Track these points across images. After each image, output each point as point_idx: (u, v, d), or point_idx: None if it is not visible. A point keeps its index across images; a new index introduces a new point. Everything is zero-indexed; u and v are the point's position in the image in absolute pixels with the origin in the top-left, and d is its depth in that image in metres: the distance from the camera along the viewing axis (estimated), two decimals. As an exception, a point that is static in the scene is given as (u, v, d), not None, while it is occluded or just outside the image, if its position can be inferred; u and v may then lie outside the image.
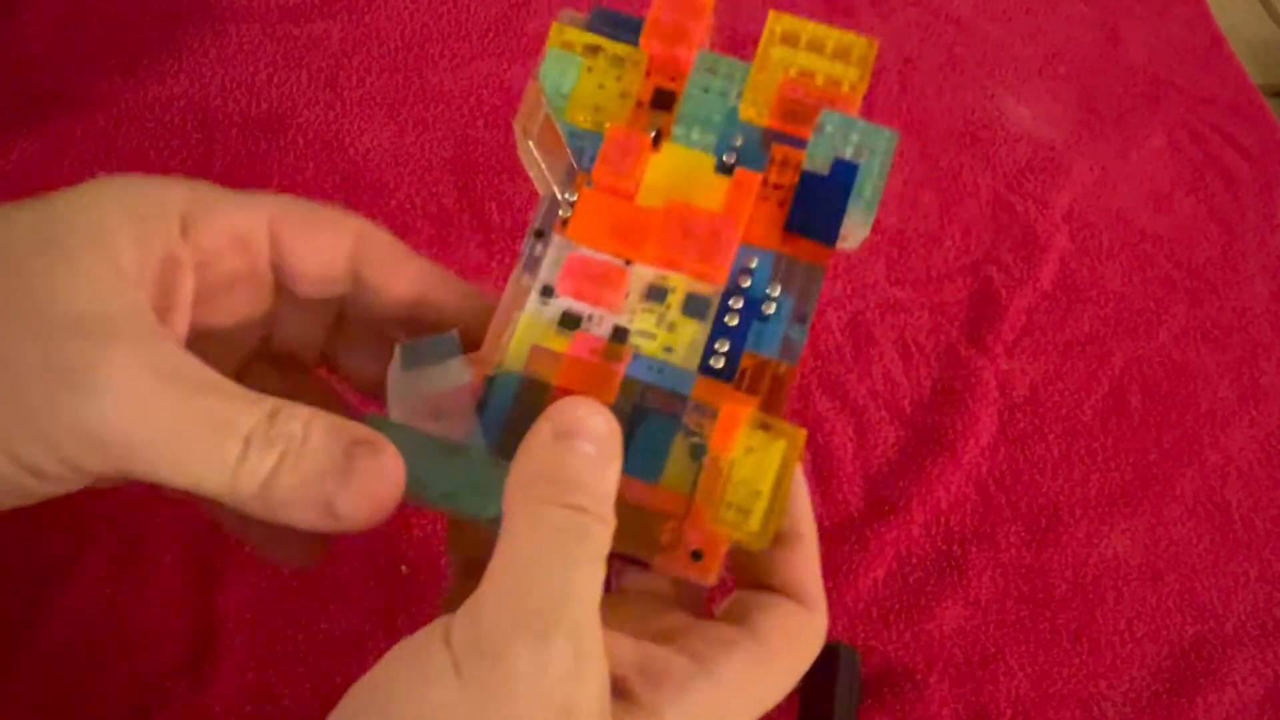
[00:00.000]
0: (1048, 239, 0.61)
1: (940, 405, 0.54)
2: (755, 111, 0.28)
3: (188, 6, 0.62)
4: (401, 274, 0.27)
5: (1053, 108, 0.69)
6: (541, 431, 0.23)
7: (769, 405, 0.25)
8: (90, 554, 0.44)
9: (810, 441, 0.52)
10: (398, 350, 0.25)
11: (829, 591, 0.48)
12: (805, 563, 0.26)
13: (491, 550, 0.22)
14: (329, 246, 0.26)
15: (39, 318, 0.21)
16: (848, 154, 0.27)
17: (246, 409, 0.22)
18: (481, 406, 0.26)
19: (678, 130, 0.28)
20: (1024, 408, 0.55)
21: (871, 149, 0.27)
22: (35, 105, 0.55)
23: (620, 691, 0.22)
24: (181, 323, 0.25)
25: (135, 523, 0.45)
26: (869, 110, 0.68)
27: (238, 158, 0.56)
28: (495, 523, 0.25)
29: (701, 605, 0.28)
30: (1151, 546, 0.51)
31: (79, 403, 0.21)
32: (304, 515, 0.22)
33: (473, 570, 0.24)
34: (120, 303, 0.22)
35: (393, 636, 0.47)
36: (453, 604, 0.23)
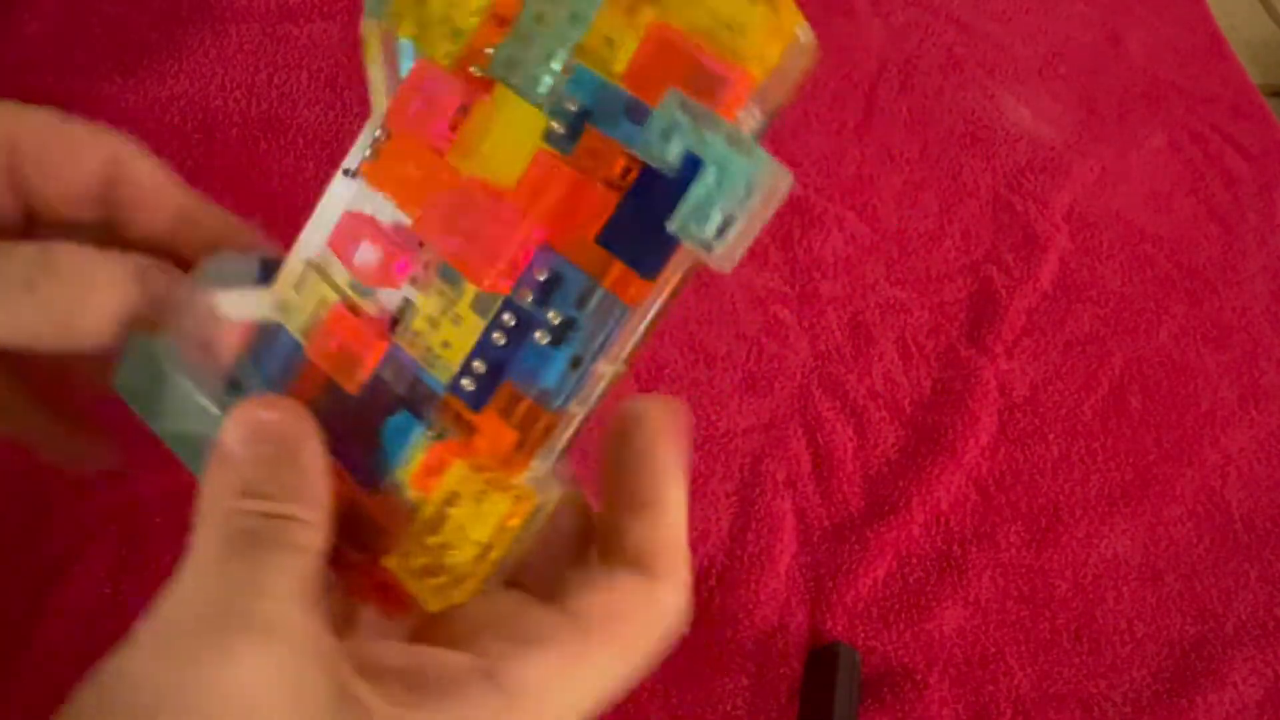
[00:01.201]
0: (1048, 239, 0.61)
1: (940, 405, 0.54)
2: (602, 62, 0.20)
3: (188, 6, 0.62)
4: (162, 202, 0.25)
5: (1053, 108, 0.69)
6: (228, 436, 0.22)
7: (530, 447, 0.20)
8: (90, 554, 0.44)
9: (810, 441, 0.52)
10: (198, 266, 0.23)
11: (829, 592, 0.48)
12: (652, 529, 0.22)
13: None
14: (78, 164, 0.25)
15: None
16: (703, 152, 0.19)
17: None
18: (256, 355, 0.23)
19: (498, 68, 0.20)
20: (1024, 408, 0.55)
21: (722, 164, 0.19)
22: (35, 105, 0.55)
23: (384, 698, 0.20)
24: None
25: (135, 523, 0.45)
26: (869, 110, 0.69)
27: (238, 158, 0.56)
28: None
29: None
30: (1151, 546, 0.51)
31: None
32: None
33: None
34: None
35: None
36: None
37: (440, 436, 0.21)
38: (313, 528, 0.21)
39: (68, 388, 0.27)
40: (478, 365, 0.21)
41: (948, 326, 0.57)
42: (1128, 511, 0.52)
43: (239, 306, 0.22)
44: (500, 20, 0.21)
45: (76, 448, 0.28)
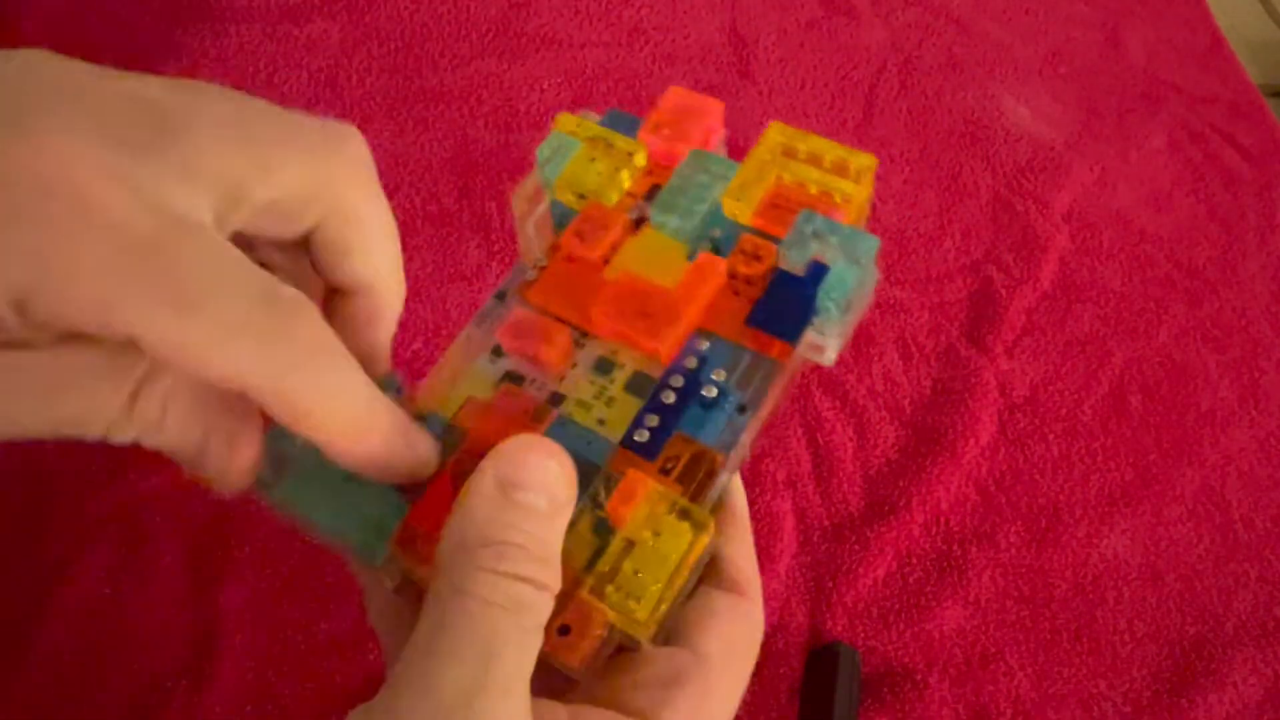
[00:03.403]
0: (1048, 239, 0.61)
1: (940, 405, 0.54)
2: (739, 209, 0.27)
3: (188, 6, 0.62)
4: (367, 268, 0.22)
5: (1053, 108, 0.69)
6: (484, 479, 0.20)
7: (694, 495, 0.23)
8: (90, 554, 0.44)
9: (810, 441, 0.52)
10: None
11: (829, 592, 0.48)
12: (741, 544, 0.25)
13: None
14: (301, 215, 0.21)
15: None
16: (826, 256, 0.25)
17: (111, 394, 0.19)
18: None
19: (655, 215, 0.27)
20: (1024, 408, 0.55)
21: (850, 255, 0.25)
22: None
23: None
24: None
25: (135, 523, 0.45)
26: (869, 110, 0.69)
27: (238, 158, 0.56)
28: (388, 569, 0.23)
29: None
30: (1151, 546, 0.51)
31: None
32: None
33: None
34: None
35: (393, 636, 0.46)
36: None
37: (603, 505, 0.23)
38: (553, 597, 0.20)
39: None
40: (648, 419, 0.24)
41: (948, 326, 0.57)
42: (1128, 511, 0.52)
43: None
44: (647, 171, 0.28)
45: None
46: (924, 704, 0.45)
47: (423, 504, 0.23)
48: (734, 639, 0.24)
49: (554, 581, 0.20)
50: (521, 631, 0.19)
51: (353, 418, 0.20)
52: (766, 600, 0.47)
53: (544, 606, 0.20)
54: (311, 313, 0.19)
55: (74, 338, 0.18)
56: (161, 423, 0.20)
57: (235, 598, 0.44)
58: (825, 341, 0.25)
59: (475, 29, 0.65)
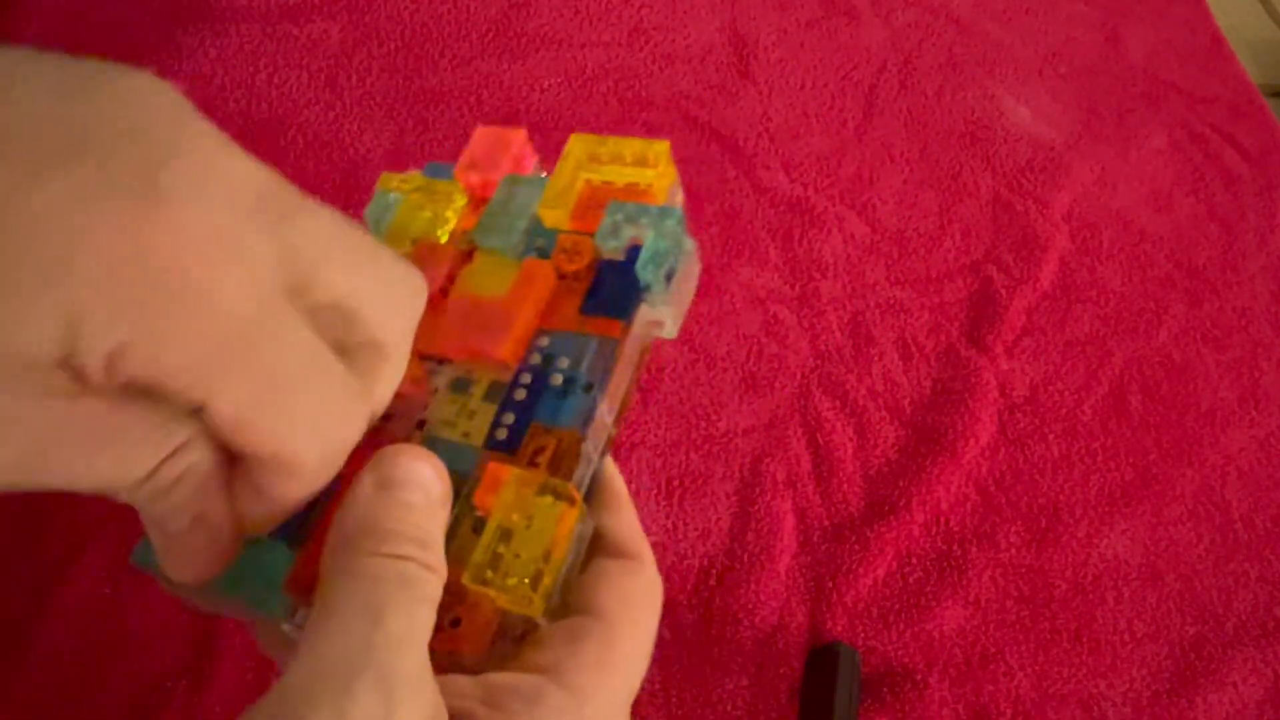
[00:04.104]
0: (1048, 239, 0.61)
1: (940, 405, 0.54)
2: (556, 217, 0.29)
3: (188, 6, 0.62)
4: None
5: (1053, 108, 0.69)
6: (363, 484, 0.21)
7: (563, 477, 0.24)
8: (90, 554, 0.44)
9: (810, 441, 0.52)
10: None
11: (829, 592, 0.48)
12: (626, 518, 0.26)
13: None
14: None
15: None
16: (641, 238, 0.27)
17: (150, 456, 0.20)
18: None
19: (478, 237, 0.29)
20: (1024, 408, 0.55)
21: (659, 229, 0.27)
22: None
23: None
24: None
25: (135, 523, 0.45)
26: (869, 110, 0.69)
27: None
28: (288, 623, 0.24)
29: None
30: (1151, 546, 0.51)
31: None
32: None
33: None
34: None
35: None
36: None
37: (472, 505, 0.24)
38: (440, 580, 0.21)
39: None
40: (505, 418, 0.25)
41: (948, 326, 0.57)
42: (1128, 511, 0.52)
43: None
44: (473, 208, 0.30)
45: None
46: (924, 704, 0.45)
47: (309, 547, 0.23)
48: (628, 593, 0.24)
49: (438, 565, 0.21)
50: (409, 599, 0.20)
51: (327, 476, 0.21)
52: (767, 600, 0.47)
53: (431, 584, 0.20)
54: (364, 411, 0.21)
55: (138, 393, 0.18)
56: (169, 493, 0.20)
57: (235, 598, 0.44)
58: (660, 313, 0.27)
59: (475, 29, 0.65)
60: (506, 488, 0.23)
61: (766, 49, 0.68)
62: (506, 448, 0.25)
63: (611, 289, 0.27)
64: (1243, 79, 0.73)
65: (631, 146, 0.29)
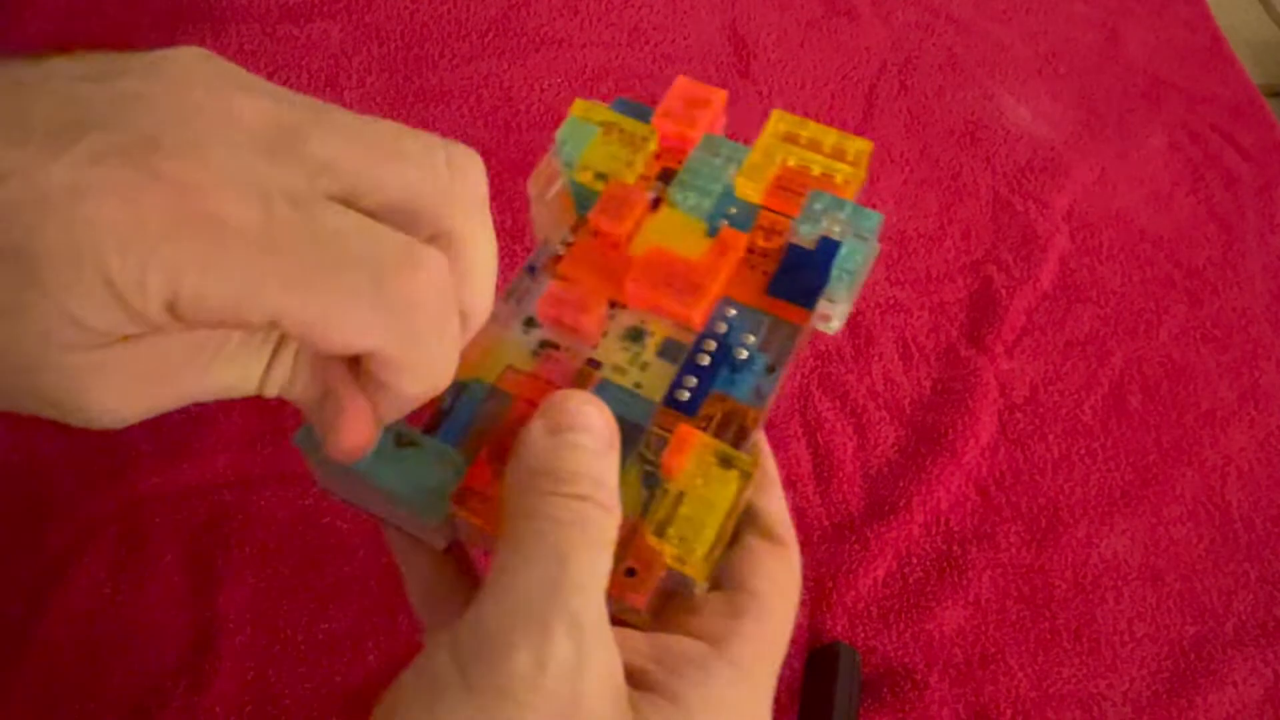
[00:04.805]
0: (1048, 239, 0.61)
1: (940, 405, 0.54)
2: (750, 189, 0.30)
3: (188, 6, 0.62)
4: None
5: (1053, 108, 0.69)
6: (535, 429, 0.23)
7: (733, 447, 0.25)
8: (90, 554, 0.44)
9: (810, 441, 0.52)
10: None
11: (829, 592, 0.48)
12: (774, 496, 0.27)
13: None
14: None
15: None
16: (834, 232, 0.28)
17: (255, 365, 0.22)
18: (446, 412, 0.26)
19: (675, 194, 0.30)
20: (1024, 408, 0.55)
21: (857, 230, 0.28)
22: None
23: (640, 682, 0.22)
24: None
25: (135, 523, 0.45)
26: (869, 110, 0.69)
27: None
28: (437, 535, 0.25)
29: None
30: (1151, 546, 0.51)
31: None
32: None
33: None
34: None
35: (393, 636, 0.47)
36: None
37: (651, 461, 0.25)
38: (615, 522, 0.22)
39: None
40: (687, 380, 0.26)
41: (948, 326, 0.57)
42: (1128, 511, 0.52)
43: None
44: (656, 155, 0.31)
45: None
46: (924, 704, 0.45)
47: (478, 465, 0.24)
48: (778, 578, 0.26)
49: (614, 505, 0.22)
50: (589, 543, 0.21)
51: (440, 379, 0.22)
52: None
53: (609, 525, 0.21)
54: (429, 276, 0.20)
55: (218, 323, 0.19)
56: (292, 386, 0.23)
57: (235, 598, 0.44)
58: (834, 310, 0.29)
59: (475, 28, 0.65)
60: (693, 452, 0.24)
61: (766, 49, 0.68)
62: (686, 409, 0.26)
63: (801, 276, 0.28)
64: (1243, 79, 0.73)
65: (830, 137, 0.30)
